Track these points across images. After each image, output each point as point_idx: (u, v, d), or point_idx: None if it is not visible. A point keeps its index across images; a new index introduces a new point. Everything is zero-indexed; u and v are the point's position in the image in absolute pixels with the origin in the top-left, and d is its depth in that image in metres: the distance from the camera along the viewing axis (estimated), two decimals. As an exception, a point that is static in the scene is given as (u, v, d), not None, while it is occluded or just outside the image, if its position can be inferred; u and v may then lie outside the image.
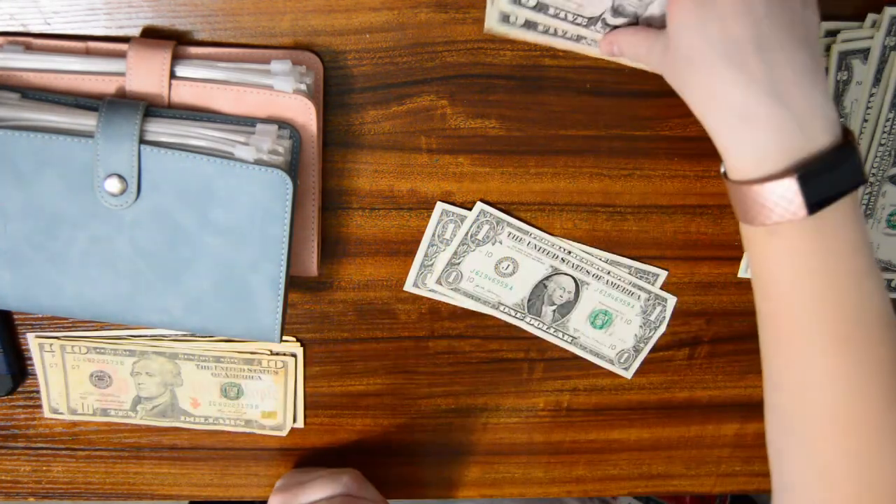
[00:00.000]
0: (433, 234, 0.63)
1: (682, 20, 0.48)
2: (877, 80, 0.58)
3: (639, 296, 0.67)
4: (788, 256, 0.48)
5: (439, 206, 0.62)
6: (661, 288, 0.67)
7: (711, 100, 0.48)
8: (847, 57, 0.58)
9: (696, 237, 0.65)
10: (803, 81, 0.47)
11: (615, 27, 0.55)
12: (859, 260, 0.48)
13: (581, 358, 0.70)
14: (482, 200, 0.63)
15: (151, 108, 0.53)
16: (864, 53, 0.58)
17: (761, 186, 0.47)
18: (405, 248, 0.64)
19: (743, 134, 0.47)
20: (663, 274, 0.67)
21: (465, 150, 0.61)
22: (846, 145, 0.47)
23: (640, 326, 0.68)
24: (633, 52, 0.54)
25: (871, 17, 0.57)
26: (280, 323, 0.57)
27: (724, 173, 0.51)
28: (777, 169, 0.47)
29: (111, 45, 0.55)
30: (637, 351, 0.70)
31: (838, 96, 0.59)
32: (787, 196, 0.46)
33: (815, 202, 0.46)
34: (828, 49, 0.58)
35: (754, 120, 0.47)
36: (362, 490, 0.66)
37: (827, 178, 0.46)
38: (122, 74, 0.54)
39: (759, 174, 0.47)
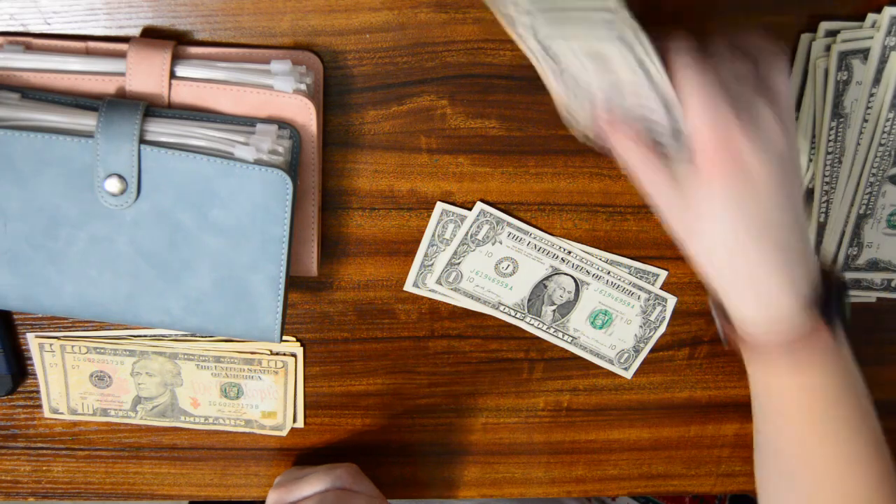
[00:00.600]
0: (433, 234, 0.63)
1: (715, 192, 0.49)
2: (877, 80, 0.58)
3: (639, 296, 0.67)
4: (804, 390, 0.53)
5: (439, 206, 0.62)
6: (661, 288, 0.67)
7: (726, 267, 0.52)
8: (847, 57, 0.58)
9: (696, 237, 0.65)
10: (803, 246, 0.52)
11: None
12: (858, 386, 0.54)
13: (581, 358, 0.70)
14: (482, 200, 0.63)
15: (151, 108, 0.53)
16: (864, 53, 0.58)
17: (795, 335, 0.52)
18: (405, 248, 0.64)
19: (752, 300, 0.52)
20: (663, 274, 0.67)
21: (465, 150, 0.61)
22: (828, 276, 0.53)
23: (640, 326, 0.68)
24: (642, 177, 0.52)
25: (871, 16, 0.57)
26: (280, 323, 0.57)
27: (736, 335, 0.54)
28: (798, 313, 0.51)
29: (111, 45, 0.55)
30: (637, 351, 0.70)
31: (838, 96, 0.59)
32: (814, 334, 0.51)
33: (836, 324, 0.52)
34: (828, 49, 0.58)
35: (765, 290, 0.51)
36: (357, 483, 0.66)
37: (834, 299, 0.52)
38: (122, 74, 0.54)
39: (785, 325, 0.52)
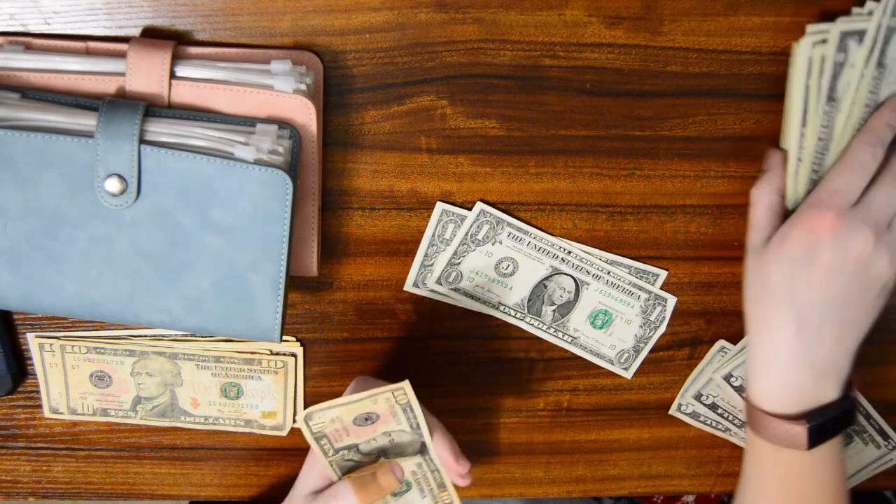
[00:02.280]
0: (433, 234, 0.63)
1: (781, 259, 0.56)
2: (880, 63, 0.57)
3: (639, 296, 0.67)
4: (782, 470, 0.59)
5: (439, 206, 0.62)
6: (661, 288, 0.67)
7: (762, 329, 0.58)
8: (846, 38, 0.57)
9: (696, 237, 0.65)
10: (836, 347, 0.56)
11: None
12: (836, 476, 0.59)
13: (581, 358, 0.70)
14: (482, 200, 0.63)
15: (151, 108, 0.53)
16: (861, 35, 0.57)
17: (777, 422, 0.57)
18: (405, 248, 0.64)
19: (769, 374, 0.58)
20: (663, 274, 0.67)
21: (465, 150, 0.61)
22: (847, 397, 0.58)
23: (640, 326, 0.68)
24: (750, 223, 0.61)
25: (869, 4, 0.57)
26: (280, 323, 0.57)
27: (745, 394, 0.62)
28: (789, 412, 0.57)
29: (111, 45, 0.55)
30: (637, 351, 0.70)
31: (833, 79, 0.58)
32: (794, 435, 0.57)
33: (816, 442, 0.57)
34: (824, 42, 0.57)
35: (782, 368, 0.57)
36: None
37: (829, 425, 0.57)
38: (122, 74, 0.54)
39: (774, 410, 0.58)
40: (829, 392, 0.57)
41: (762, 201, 0.59)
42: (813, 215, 0.55)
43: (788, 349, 0.56)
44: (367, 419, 0.59)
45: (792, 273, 0.56)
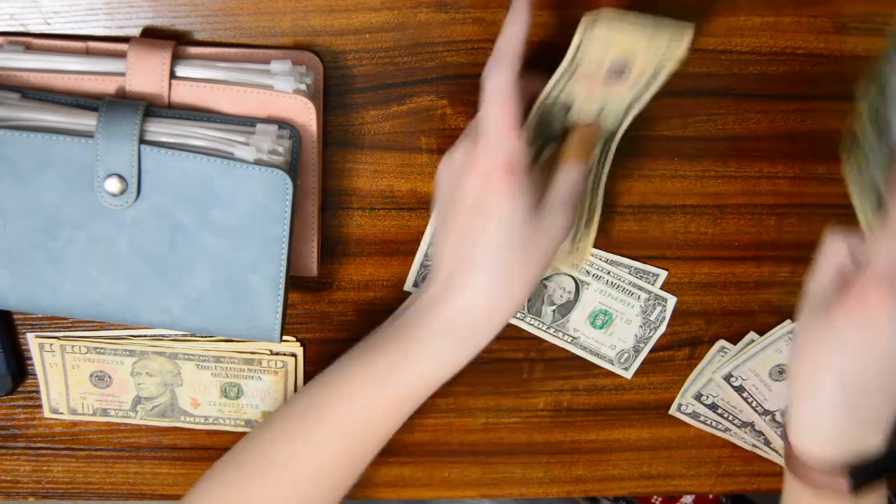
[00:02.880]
0: (433, 235, 0.63)
1: (838, 324, 0.55)
2: None
3: (639, 296, 0.67)
4: None
5: (439, 206, 0.62)
6: (661, 288, 0.67)
7: (808, 380, 0.57)
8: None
9: (696, 237, 0.65)
10: (884, 404, 0.56)
11: None
12: None
13: (581, 358, 0.70)
14: (482, 200, 0.62)
15: (151, 108, 0.53)
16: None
17: (819, 472, 0.57)
18: (405, 248, 0.64)
19: (813, 425, 0.57)
20: (663, 274, 0.67)
21: (465, 150, 0.61)
22: (893, 444, 0.57)
23: (640, 326, 0.68)
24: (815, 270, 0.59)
25: None
26: (280, 323, 0.57)
27: (785, 436, 0.59)
28: (832, 462, 0.56)
29: (111, 45, 0.55)
30: (637, 351, 0.70)
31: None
32: (836, 484, 0.56)
33: (859, 490, 0.56)
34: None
35: (826, 422, 0.57)
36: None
37: (871, 474, 0.56)
38: (122, 74, 0.54)
39: (816, 460, 0.57)
40: (873, 443, 0.57)
41: (832, 255, 0.58)
42: (878, 290, 0.54)
43: (835, 405, 0.56)
44: (620, 72, 0.53)
45: (848, 339, 0.55)
